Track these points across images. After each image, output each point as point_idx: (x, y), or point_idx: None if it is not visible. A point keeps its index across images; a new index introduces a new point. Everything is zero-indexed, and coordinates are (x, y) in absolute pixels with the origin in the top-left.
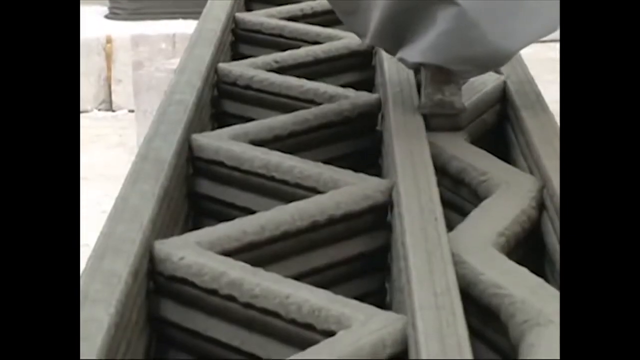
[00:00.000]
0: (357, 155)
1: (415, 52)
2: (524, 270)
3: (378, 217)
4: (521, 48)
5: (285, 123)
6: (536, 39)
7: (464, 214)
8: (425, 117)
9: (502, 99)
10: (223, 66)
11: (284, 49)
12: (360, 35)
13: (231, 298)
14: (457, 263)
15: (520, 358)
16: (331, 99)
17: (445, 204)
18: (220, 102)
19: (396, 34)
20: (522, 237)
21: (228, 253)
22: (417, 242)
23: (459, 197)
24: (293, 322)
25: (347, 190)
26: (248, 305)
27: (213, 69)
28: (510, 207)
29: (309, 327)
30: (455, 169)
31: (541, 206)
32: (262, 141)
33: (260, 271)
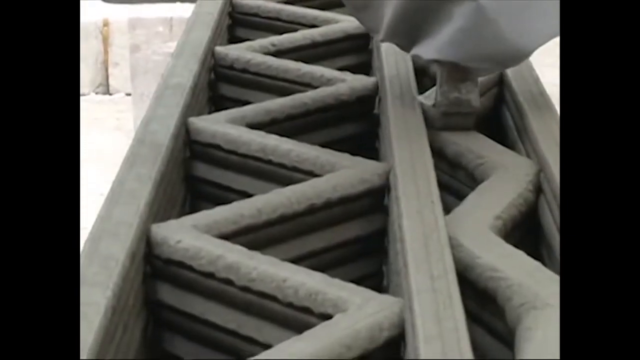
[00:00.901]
0: (354, 139)
1: (430, 48)
2: (521, 254)
3: (375, 201)
4: (539, 46)
5: (282, 106)
6: (552, 37)
7: (460, 197)
8: (440, 116)
9: (500, 83)
10: (220, 49)
11: (281, 32)
12: (373, 31)
13: (228, 281)
14: (454, 246)
15: (517, 341)
16: (328, 82)
17: (442, 187)
18: (217, 85)
19: (411, 30)
20: (519, 221)
21: (225, 236)
22: (413, 225)
23: (455, 180)
24: (290, 305)
25: (344, 173)
26: (245, 289)
27: (210, 52)
28: (507, 191)
29: (305, 310)
30: (452, 152)
31: (538, 189)
32: (259, 124)
33: (257, 254)
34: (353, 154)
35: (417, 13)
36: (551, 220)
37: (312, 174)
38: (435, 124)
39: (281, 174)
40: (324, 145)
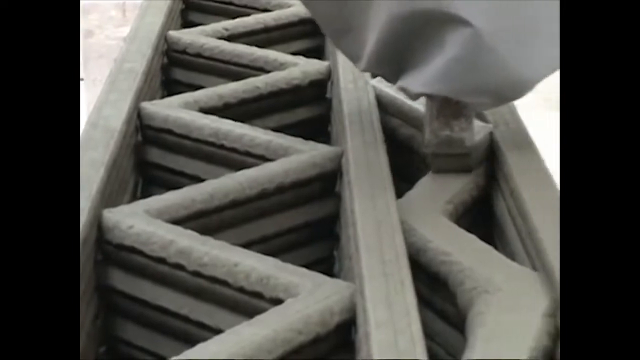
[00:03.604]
0: (307, 123)
1: (419, 80)
2: (472, 238)
3: (327, 185)
4: (546, 76)
5: (235, 91)
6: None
7: (413, 181)
8: (430, 157)
9: None
10: (173, 34)
11: (233, 16)
12: (354, 59)
13: (179, 266)
14: (406, 231)
15: (469, 326)
16: (281, 66)
17: (394, 171)
18: (170, 70)
19: (396, 59)
20: (470, 205)
21: (177, 221)
22: (366, 209)
23: (408, 164)
24: (241, 290)
25: (296, 158)
26: (196, 274)
27: (163, 37)
28: (458, 175)
29: (257, 295)
30: (404, 136)
31: (490, 174)
32: (212, 109)
33: (208, 239)
34: (306, 138)
35: (404, 40)
36: (503, 205)
37: (265, 159)
38: (430, 166)
39: (233, 158)
40: (276, 129)
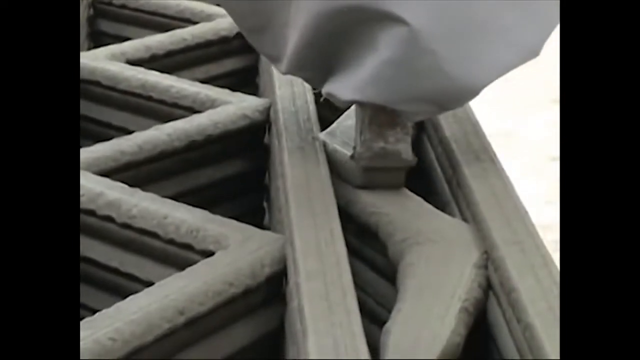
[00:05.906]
0: (235, 75)
1: (348, 86)
2: (402, 189)
3: (256, 137)
4: (491, 81)
5: (162, 42)
6: (511, 68)
7: None
8: (361, 171)
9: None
10: None
11: None
12: (273, 60)
13: (109, 219)
14: (335, 182)
15: (400, 277)
16: (208, 17)
17: (323, 122)
18: (97, 21)
19: (323, 61)
20: None
21: (105, 173)
22: (295, 160)
23: (336, 117)
24: (171, 242)
25: (224, 109)
26: (126, 226)
27: None
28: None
29: (187, 247)
30: None
31: (419, 125)
32: (139, 61)
33: (138, 191)
34: (234, 89)
35: (331, 40)
36: (432, 154)
37: (193, 110)
38: (354, 181)
39: (161, 110)
40: (204, 81)
